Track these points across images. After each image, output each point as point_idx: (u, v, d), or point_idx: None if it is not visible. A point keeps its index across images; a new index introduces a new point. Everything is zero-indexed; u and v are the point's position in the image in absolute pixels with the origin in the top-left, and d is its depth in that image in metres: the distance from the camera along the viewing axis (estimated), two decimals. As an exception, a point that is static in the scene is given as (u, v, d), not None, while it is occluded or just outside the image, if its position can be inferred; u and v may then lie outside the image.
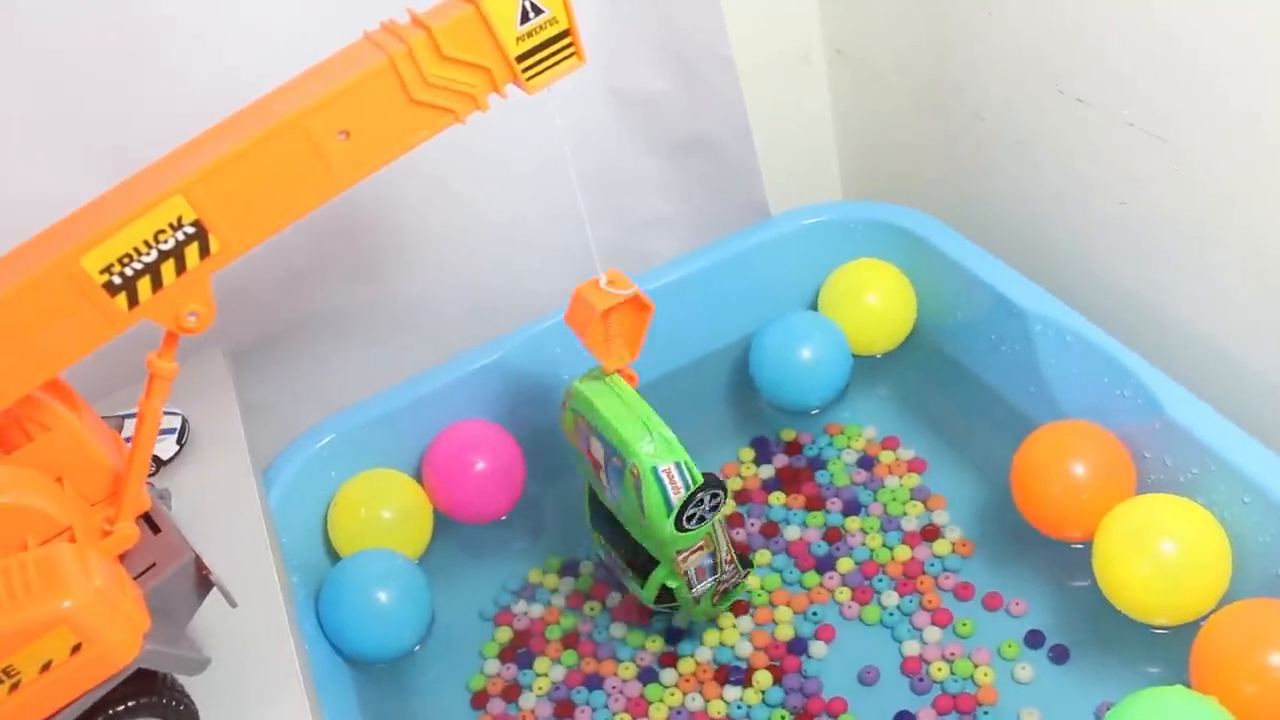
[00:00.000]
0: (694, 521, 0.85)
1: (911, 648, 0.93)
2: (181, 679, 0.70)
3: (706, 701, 0.93)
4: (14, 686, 0.59)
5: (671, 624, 0.98)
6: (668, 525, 0.84)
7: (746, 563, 0.94)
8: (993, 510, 1.01)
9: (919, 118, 1.21)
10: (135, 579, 0.67)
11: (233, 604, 0.71)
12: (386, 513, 1.03)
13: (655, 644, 0.97)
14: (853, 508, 1.05)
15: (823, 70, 1.28)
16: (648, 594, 0.92)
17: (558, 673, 0.97)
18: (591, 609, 1.01)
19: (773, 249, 1.19)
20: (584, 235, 0.84)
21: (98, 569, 0.61)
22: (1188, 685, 0.79)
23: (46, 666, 0.59)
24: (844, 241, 1.19)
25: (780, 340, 1.12)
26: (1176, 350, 1.00)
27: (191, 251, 0.62)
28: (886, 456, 1.08)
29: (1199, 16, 0.85)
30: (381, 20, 0.67)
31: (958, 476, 1.05)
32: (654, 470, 0.82)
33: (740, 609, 0.98)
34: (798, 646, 0.95)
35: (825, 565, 1.01)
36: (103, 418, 0.72)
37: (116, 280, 0.61)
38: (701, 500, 0.84)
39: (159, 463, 0.91)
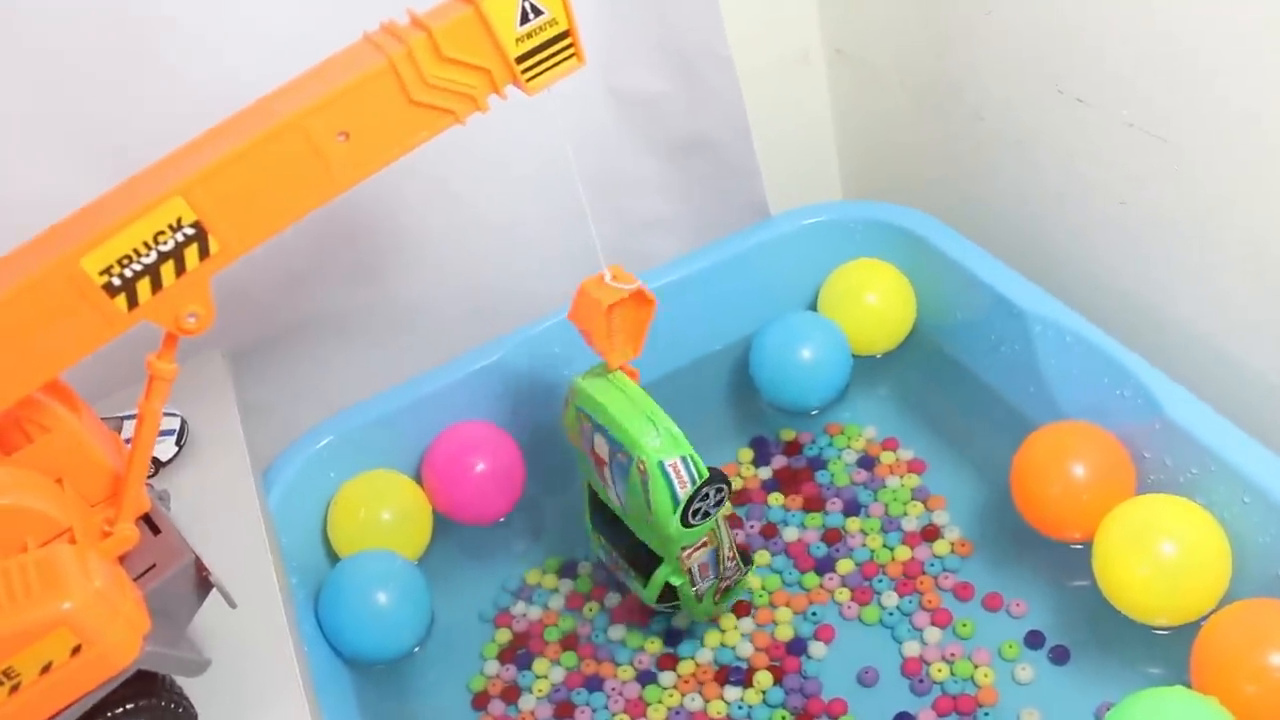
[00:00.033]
0: (699, 517, 0.85)
1: (911, 648, 0.93)
2: (181, 680, 0.70)
3: (706, 702, 0.93)
4: (14, 688, 0.59)
5: (671, 625, 0.98)
6: (674, 520, 0.84)
7: (748, 560, 0.94)
8: (992, 511, 1.01)
9: (919, 118, 1.21)
10: (135, 580, 0.67)
11: (232, 605, 0.71)
12: (386, 514, 1.03)
13: (655, 645, 0.97)
14: (853, 508, 1.05)
15: (822, 70, 1.28)
16: (650, 593, 0.92)
17: (557, 674, 0.97)
18: (591, 609, 1.01)
19: (772, 249, 1.19)
20: (583, 236, 0.84)
21: (98, 570, 0.61)
22: (1188, 686, 0.79)
23: (46, 668, 0.59)
24: (844, 241, 1.19)
25: (780, 340, 1.12)
26: (1176, 350, 1.00)
27: (191, 253, 0.62)
28: (886, 457, 1.08)
29: (1199, 16, 0.85)
30: (381, 21, 0.67)
31: (957, 477, 1.05)
32: (660, 465, 0.83)
33: (742, 610, 0.98)
34: (797, 647, 0.95)
35: (825, 566, 1.01)
36: (102, 419, 0.72)
37: (116, 281, 0.61)
38: (707, 495, 0.84)
39: (158, 464, 0.91)
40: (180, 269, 0.62)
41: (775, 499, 1.07)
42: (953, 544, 0.99)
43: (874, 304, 1.15)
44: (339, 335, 1.11)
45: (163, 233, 0.61)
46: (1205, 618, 0.83)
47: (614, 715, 0.93)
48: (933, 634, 0.93)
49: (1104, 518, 0.89)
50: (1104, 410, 0.96)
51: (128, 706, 0.66)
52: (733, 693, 0.93)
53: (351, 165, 0.65)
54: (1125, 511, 0.88)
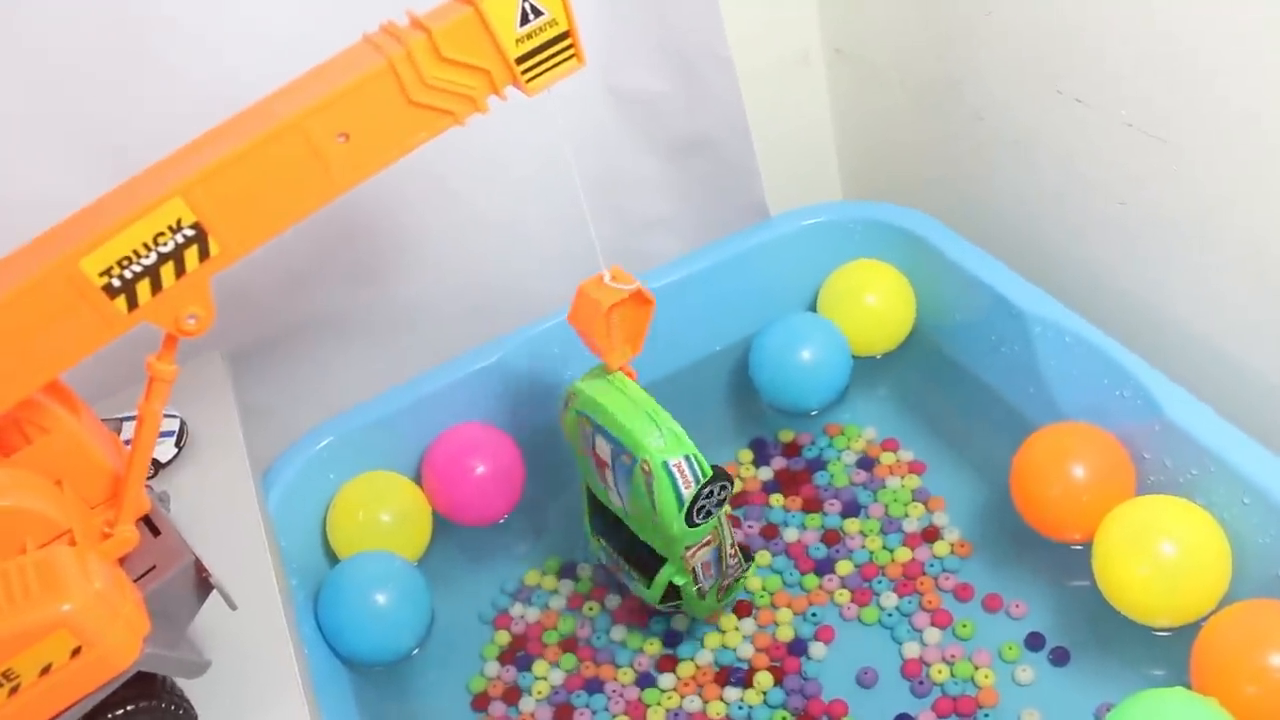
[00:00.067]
0: (702, 515, 0.85)
1: (911, 649, 0.93)
2: (181, 682, 0.70)
3: (706, 703, 0.93)
4: (13, 690, 0.59)
5: (671, 626, 0.98)
6: (679, 520, 0.84)
7: (749, 556, 0.94)
8: (992, 511, 1.01)
9: (918, 118, 1.20)
10: (135, 582, 0.66)
11: (232, 606, 0.71)
12: (385, 515, 1.02)
13: (654, 646, 0.97)
14: (852, 509, 1.05)
15: (822, 71, 1.28)
16: (654, 593, 0.92)
17: (557, 676, 0.97)
18: (591, 610, 1.01)
19: (772, 250, 1.19)
20: (583, 236, 0.84)
21: (97, 572, 0.61)
22: (1188, 687, 0.79)
23: (46, 670, 0.59)
24: (843, 242, 1.18)
25: (780, 342, 1.12)
26: (1176, 351, 1.00)
27: (191, 254, 0.62)
28: (886, 458, 1.08)
29: (1199, 16, 0.85)
30: (381, 22, 0.67)
31: (957, 478, 1.05)
32: (665, 465, 0.82)
33: (742, 611, 0.98)
34: (797, 648, 0.95)
35: (825, 567, 1.00)
36: (102, 420, 0.72)
37: (116, 283, 0.61)
38: (711, 493, 0.84)
39: (157, 465, 0.91)
40: (180, 270, 0.62)
41: (775, 500, 1.06)
42: (952, 545, 0.99)
43: (874, 305, 1.15)
44: (339, 336, 1.11)
45: (162, 234, 0.61)
46: (1205, 619, 0.83)
47: (614, 717, 0.93)
48: (933, 635, 0.93)
49: (1104, 518, 0.89)
50: (1104, 411, 0.96)
51: (128, 708, 0.66)
52: (733, 693, 0.93)
53: (351, 166, 0.65)
54: (1125, 512, 0.88)
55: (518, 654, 0.99)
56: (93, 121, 0.89)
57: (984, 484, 1.03)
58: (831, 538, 1.03)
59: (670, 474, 0.82)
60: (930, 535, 1.01)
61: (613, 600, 1.01)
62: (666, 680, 0.95)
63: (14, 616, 0.58)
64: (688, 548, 0.87)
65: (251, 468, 0.92)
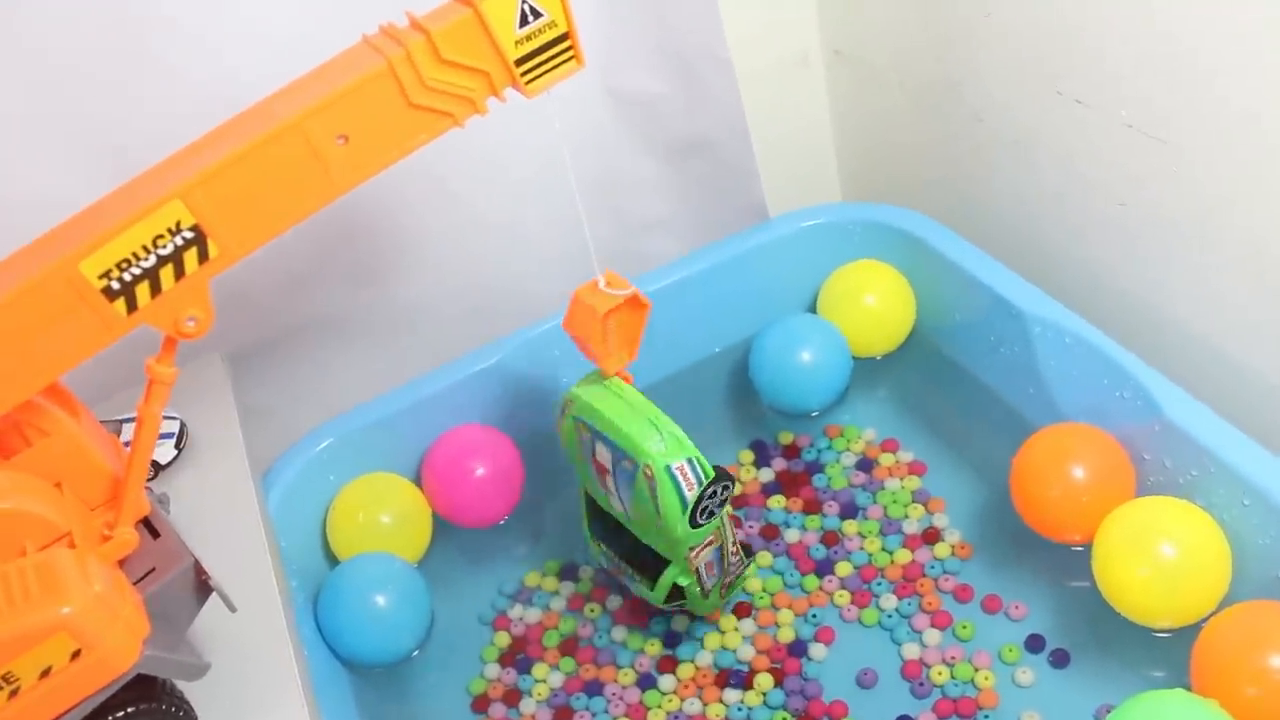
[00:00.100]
0: (705, 516, 0.85)
1: (911, 650, 0.93)
2: (181, 684, 0.70)
3: (706, 704, 0.93)
4: (13, 693, 0.59)
5: (671, 627, 0.98)
6: (683, 522, 0.84)
7: (750, 553, 0.94)
8: (992, 513, 1.01)
9: (918, 119, 1.20)
10: (134, 584, 0.66)
11: (232, 609, 0.71)
12: (385, 517, 1.02)
13: (655, 647, 0.97)
14: (850, 510, 1.05)
15: (821, 72, 1.28)
16: (658, 595, 0.92)
17: (556, 679, 0.97)
18: (591, 610, 1.01)
19: (771, 251, 1.19)
20: (583, 238, 0.84)
21: (97, 574, 0.61)
22: (1188, 688, 0.79)
23: (46, 673, 0.59)
24: (843, 243, 1.18)
25: (780, 343, 1.12)
26: (1175, 351, 1.00)
27: (190, 256, 0.62)
28: (886, 459, 1.08)
29: (1199, 16, 0.85)
30: (380, 23, 0.67)
31: (957, 479, 1.05)
32: (668, 469, 0.82)
33: (743, 612, 0.98)
34: (798, 649, 0.95)
35: (825, 569, 1.00)
36: (101, 422, 0.72)
37: (115, 285, 0.61)
38: (714, 494, 0.84)
39: (157, 467, 0.91)
40: (179, 272, 0.62)
41: (776, 501, 1.06)
42: (952, 546, 0.99)
43: (873, 306, 1.15)
44: (338, 338, 1.11)
45: (162, 236, 0.61)
46: (1205, 620, 0.83)
47: (614, 719, 0.93)
48: (932, 636, 0.93)
49: (1104, 520, 0.89)
50: (1104, 412, 0.96)
51: (128, 710, 0.66)
52: (733, 695, 0.93)
53: (350, 168, 0.65)
54: (1125, 513, 0.88)
55: (518, 656, 0.99)
56: (93, 121, 0.89)
57: (984, 485, 1.03)
58: (831, 539, 1.02)
59: (673, 477, 0.82)
60: (930, 536, 1.01)
61: (614, 601, 1.01)
62: (667, 682, 0.95)
63: (14, 619, 0.58)
64: (691, 549, 0.87)
65: (251, 469, 0.92)
